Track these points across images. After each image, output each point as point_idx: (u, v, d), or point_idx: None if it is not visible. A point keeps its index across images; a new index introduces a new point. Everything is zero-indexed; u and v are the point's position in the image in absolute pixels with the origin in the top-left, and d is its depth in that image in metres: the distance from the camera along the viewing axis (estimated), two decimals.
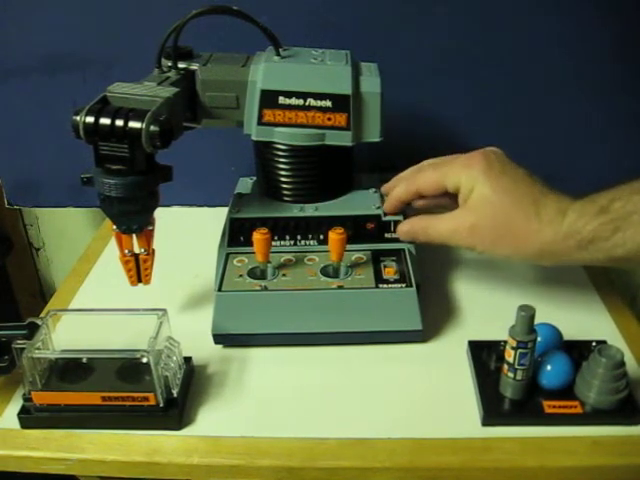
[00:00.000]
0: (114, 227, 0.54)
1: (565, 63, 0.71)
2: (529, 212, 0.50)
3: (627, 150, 0.72)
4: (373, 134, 0.58)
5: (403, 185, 0.57)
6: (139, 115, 0.47)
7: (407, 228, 0.57)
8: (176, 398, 0.49)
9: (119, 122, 0.47)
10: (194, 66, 0.57)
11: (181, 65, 0.56)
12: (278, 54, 0.57)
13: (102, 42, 0.73)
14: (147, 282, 0.57)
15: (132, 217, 0.53)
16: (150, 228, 0.55)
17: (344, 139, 0.57)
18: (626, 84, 0.72)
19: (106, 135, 0.48)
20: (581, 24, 0.69)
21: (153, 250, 0.56)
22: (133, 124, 0.47)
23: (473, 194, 0.52)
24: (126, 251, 0.55)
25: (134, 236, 0.55)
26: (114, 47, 0.72)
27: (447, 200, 0.56)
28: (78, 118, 0.48)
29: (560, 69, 0.71)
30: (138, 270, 0.56)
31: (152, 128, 0.47)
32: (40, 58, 0.74)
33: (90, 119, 0.48)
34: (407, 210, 0.59)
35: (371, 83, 0.57)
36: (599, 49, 0.70)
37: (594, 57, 0.71)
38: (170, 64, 0.56)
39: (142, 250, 0.56)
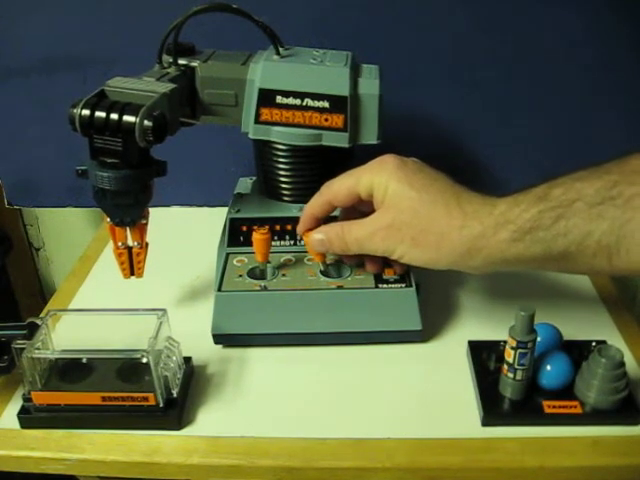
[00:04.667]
0: (107, 219, 0.54)
1: (565, 63, 0.71)
2: (450, 205, 0.46)
3: (630, 150, 0.72)
4: (370, 136, 0.58)
5: (315, 197, 0.53)
6: (133, 109, 0.48)
7: (321, 236, 0.52)
8: (176, 398, 0.49)
9: (114, 116, 0.48)
10: (195, 63, 0.57)
11: (182, 61, 0.57)
12: (278, 53, 0.57)
13: (102, 42, 0.73)
14: (139, 275, 0.58)
15: (125, 210, 0.53)
16: (144, 222, 0.55)
17: (341, 140, 0.57)
18: (628, 84, 0.71)
19: (101, 128, 0.48)
20: (582, 24, 0.69)
21: (146, 243, 0.57)
22: (127, 118, 0.48)
23: (388, 192, 0.48)
24: (119, 244, 0.56)
25: (128, 229, 0.55)
26: (114, 47, 0.72)
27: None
28: (75, 110, 0.48)
29: (560, 69, 0.71)
30: (131, 263, 0.57)
31: (146, 123, 0.47)
32: (40, 58, 0.74)
33: (86, 112, 0.48)
34: None
35: (369, 85, 0.57)
36: (599, 49, 0.70)
37: (594, 56, 0.70)
38: (171, 60, 0.56)
39: (135, 243, 0.56)
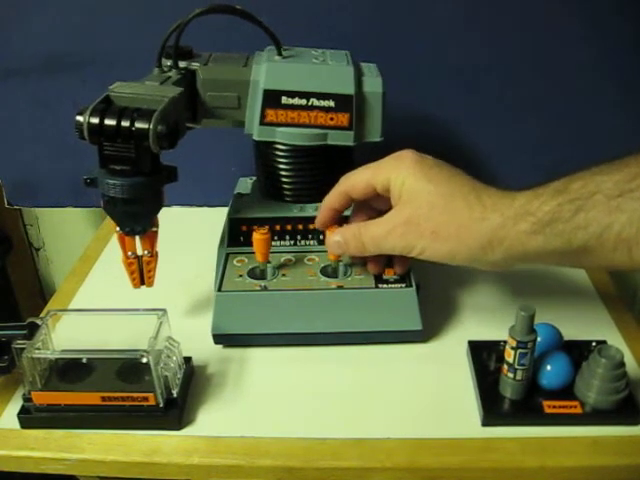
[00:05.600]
0: (117, 229, 0.53)
1: (565, 63, 0.71)
2: (469, 198, 0.46)
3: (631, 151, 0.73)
4: (374, 134, 0.58)
5: (333, 189, 0.53)
6: (145, 115, 0.47)
7: (338, 238, 0.52)
8: (176, 398, 0.49)
9: (125, 122, 0.46)
10: (194, 66, 0.57)
11: (181, 65, 0.56)
12: (280, 54, 0.57)
13: (102, 42, 0.73)
14: (150, 284, 0.57)
15: (137, 218, 0.52)
16: (154, 230, 0.54)
17: (346, 139, 0.57)
18: (629, 84, 0.71)
19: (112, 136, 0.47)
20: (582, 24, 0.69)
21: (156, 252, 0.56)
22: (140, 124, 0.46)
23: (405, 187, 0.47)
24: (129, 253, 0.54)
25: (137, 238, 0.54)
26: (114, 47, 0.72)
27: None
28: (82, 119, 0.47)
29: (560, 68, 0.71)
30: (141, 272, 0.56)
31: (160, 128, 0.46)
32: (40, 58, 0.74)
33: (95, 120, 0.46)
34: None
35: (373, 83, 0.57)
36: (599, 49, 0.70)
37: (594, 56, 0.70)
38: (170, 63, 0.56)
39: (145, 252, 0.55)
